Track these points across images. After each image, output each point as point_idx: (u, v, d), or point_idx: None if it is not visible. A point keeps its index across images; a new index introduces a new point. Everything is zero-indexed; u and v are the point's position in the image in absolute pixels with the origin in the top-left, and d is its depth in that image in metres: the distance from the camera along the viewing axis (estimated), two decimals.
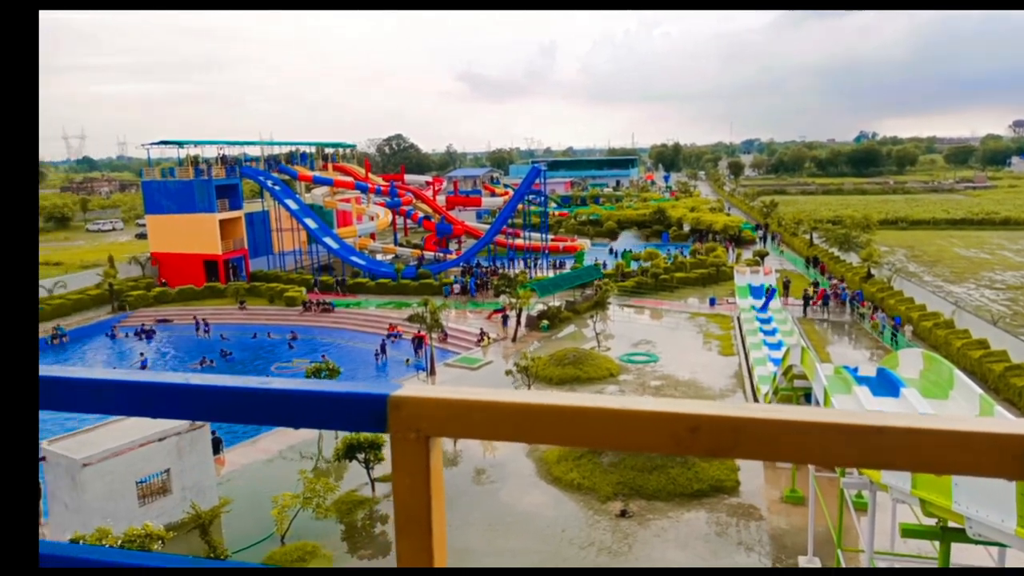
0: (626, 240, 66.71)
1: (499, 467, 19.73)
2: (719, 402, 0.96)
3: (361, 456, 17.78)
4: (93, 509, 15.12)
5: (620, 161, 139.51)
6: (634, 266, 48.79)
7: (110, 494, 15.48)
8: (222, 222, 48.43)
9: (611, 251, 57.89)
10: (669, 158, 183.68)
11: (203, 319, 39.74)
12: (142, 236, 69.70)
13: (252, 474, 20.16)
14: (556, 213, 78.86)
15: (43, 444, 15.90)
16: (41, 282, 44.02)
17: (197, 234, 47.63)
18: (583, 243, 58.47)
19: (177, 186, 48.64)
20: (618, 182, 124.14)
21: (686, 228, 66.35)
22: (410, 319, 32.08)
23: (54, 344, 36.67)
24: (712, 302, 38.41)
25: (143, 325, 39.53)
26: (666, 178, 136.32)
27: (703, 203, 78.38)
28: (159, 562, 1.11)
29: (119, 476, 15.61)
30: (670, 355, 29.46)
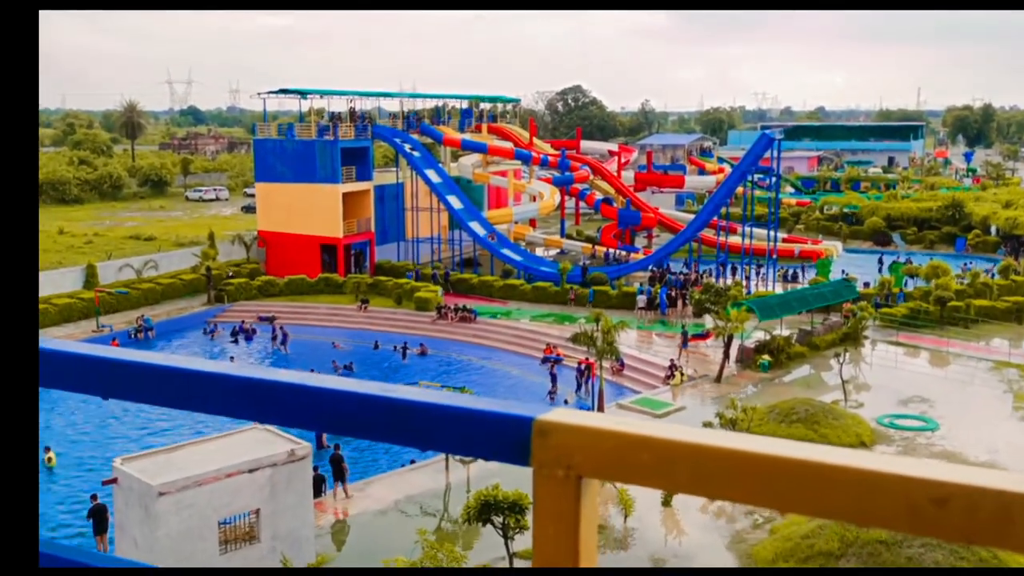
0: (898, 246, 62.98)
1: (688, 559, 19.44)
2: (983, 469, 0.94)
3: (498, 520, 18.26)
4: (166, 549, 16.65)
5: (895, 129, 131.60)
6: (908, 285, 45.99)
7: (187, 533, 16.95)
8: (346, 196, 51.92)
9: (880, 260, 54.94)
10: (973, 127, 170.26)
11: (280, 325, 42.37)
12: (249, 209, 76.32)
13: (360, 527, 21.38)
14: (793, 201, 76.22)
15: (116, 462, 17.90)
16: (129, 261, 49.68)
17: (315, 210, 51.41)
18: (831, 247, 55.86)
19: (295, 147, 52.79)
20: (891, 160, 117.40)
21: (994, 233, 61.34)
22: (574, 339, 32.47)
23: (138, 338, 41.21)
24: None
25: (241, 323, 43.34)
26: (967, 156, 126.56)
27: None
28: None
29: (200, 512, 17.09)
30: (956, 422, 27.56)
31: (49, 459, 27.17)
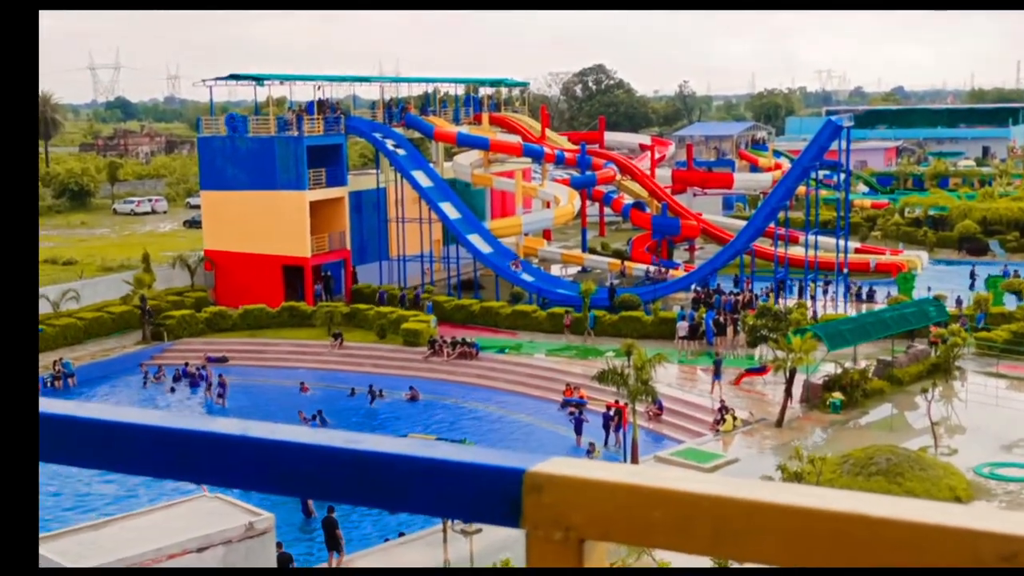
0: (997, 256, 62.78)
1: None
2: None
3: None
4: None
5: (991, 112, 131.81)
6: (1011, 304, 45.80)
7: None
8: (314, 205, 52.09)
9: (971, 275, 54.80)
10: None
11: (200, 366, 42.74)
12: (194, 224, 76.55)
13: None
14: (867, 203, 76.26)
15: None
16: (44, 291, 49.76)
17: (276, 224, 51.54)
18: (914, 259, 55.87)
19: (250, 146, 53.07)
20: (985, 150, 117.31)
21: None
22: (600, 378, 32.39)
23: (55, 387, 41.20)
24: None
25: (185, 365, 43.43)
26: None
27: None
28: None
29: None
30: None
31: None
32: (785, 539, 1.04)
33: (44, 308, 48.20)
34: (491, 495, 1.13)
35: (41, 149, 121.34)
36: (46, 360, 43.01)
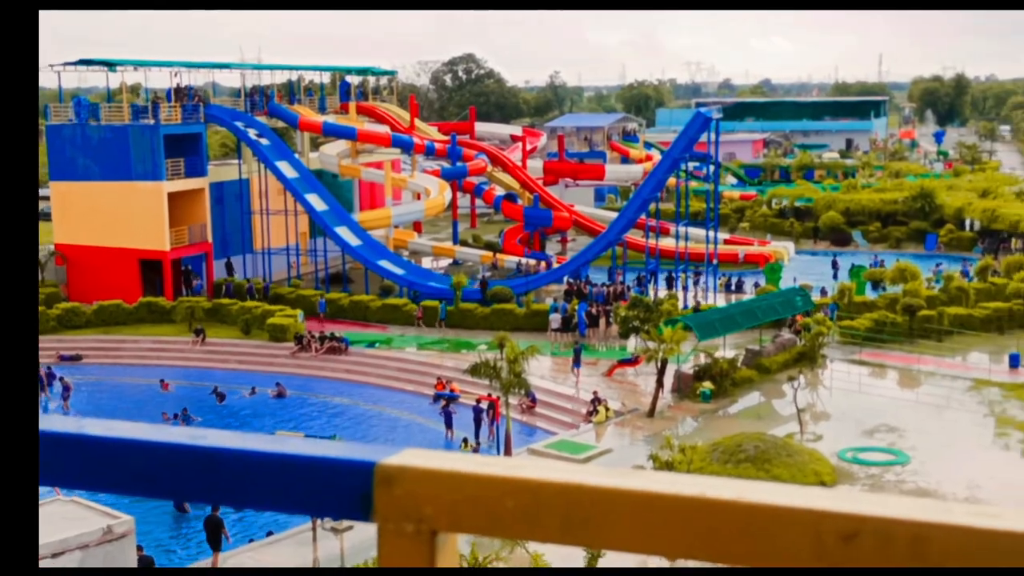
0: (860, 246, 65.27)
1: None
2: (896, 497, 1.02)
3: None
4: None
5: (854, 105, 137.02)
6: (871, 293, 47.70)
7: None
8: (173, 197, 50.87)
9: (833, 264, 56.82)
10: (944, 101, 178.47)
11: (48, 365, 40.82)
12: (43, 216, 73.90)
13: None
14: (736, 195, 78.34)
15: None
16: None
17: (132, 216, 50.23)
18: (781, 249, 57.62)
19: (103, 135, 51.52)
20: (849, 142, 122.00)
21: (969, 228, 64.24)
22: (473, 371, 32.51)
23: None
24: (1015, 361, 37.10)
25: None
26: (938, 137, 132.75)
27: (1004, 182, 75.71)
28: None
29: None
30: (931, 454, 28.67)
31: None
32: (633, 525, 1.06)
33: None
34: (341, 489, 1.12)
35: None
36: None
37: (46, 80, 56.92)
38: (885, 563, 0.97)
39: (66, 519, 17.98)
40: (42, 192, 79.91)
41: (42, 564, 16.90)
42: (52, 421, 1.21)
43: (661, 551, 1.06)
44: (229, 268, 53.30)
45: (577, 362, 37.64)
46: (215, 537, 23.19)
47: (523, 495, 1.09)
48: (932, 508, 0.98)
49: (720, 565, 1.05)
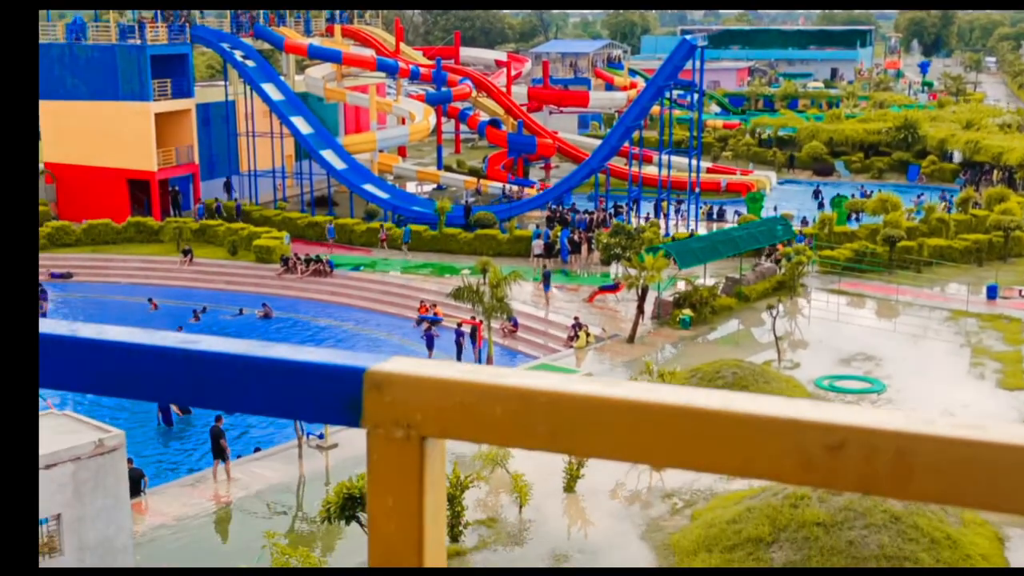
0: (842, 176, 65.31)
1: (595, 554, 20.01)
2: (882, 410, 1.03)
3: (365, 517, 18.43)
4: None
5: (839, 35, 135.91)
6: (852, 224, 47.86)
7: None
8: (160, 118, 50.37)
9: (815, 195, 56.90)
10: (931, 32, 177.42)
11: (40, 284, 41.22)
12: None
13: (191, 532, 21.18)
14: (719, 123, 78.05)
15: None
16: None
17: (120, 136, 49.73)
18: (763, 179, 57.66)
19: (90, 55, 50.81)
20: (834, 72, 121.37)
21: (954, 159, 64.30)
22: (455, 295, 32.59)
23: None
24: (992, 293, 37.30)
25: None
26: (923, 67, 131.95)
27: (988, 114, 75.60)
28: None
29: None
30: (906, 382, 29.03)
31: None
32: (620, 433, 1.06)
33: None
34: (331, 394, 1.12)
35: None
36: None
37: None
38: (870, 474, 0.98)
39: (58, 432, 18.14)
40: None
41: None
42: (51, 324, 1.21)
43: (647, 459, 1.07)
44: (228, 188, 53.06)
45: (547, 285, 38.08)
46: (217, 447, 23.51)
47: (512, 402, 1.09)
48: (916, 420, 0.99)
49: (706, 473, 1.06)
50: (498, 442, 1.12)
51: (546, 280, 38.35)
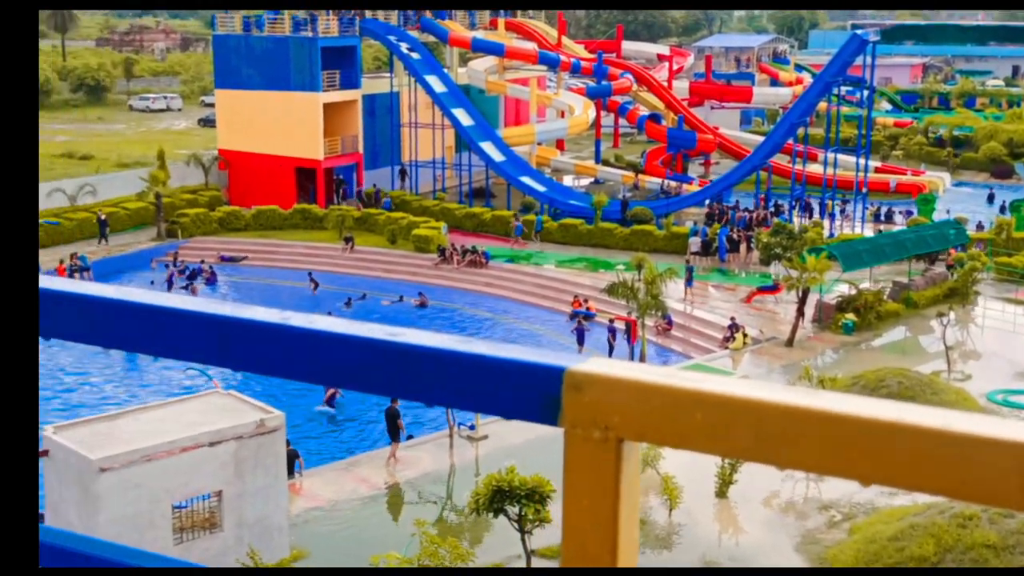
0: (1021, 178, 62.38)
1: (746, 563, 19.67)
2: None
3: (514, 510, 18.52)
4: (109, 537, 16.90)
5: (1022, 31, 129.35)
6: None
7: (135, 519, 17.29)
8: (328, 108, 51.89)
9: (989, 198, 54.48)
10: None
11: (203, 261, 42.82)
12: (208, 122, 76.47)
13: (343, 515, 21.72)
14: (890, 121, 75.48)
15: (47, 431, 18.22)
16: (60, 184, 49.94)
17: (290, 125, 51.44)
18: (935, 180, 55.43)
19: (264, 45, 52.71)
20: (1016, 69, 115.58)
21: None
22: (610, 291, 32.50)
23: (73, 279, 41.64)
24: None
25: (200, 263, 43.68)
26: None
27: None
28: (163, 563, 1.39)
29: (150, 493, 17.41)
30: None
31: None
32: (827, 445, 1.03)
33: (61, 201, 48.47)
34: (531, 392, 1.13)
35: (57, 42, 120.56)
36: (62, 253, 43.41)
37: None
38: None
39: (224, 410, 18.84)
40: (208, 100, 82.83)
41: (200, 452, 17.81)
42: (262, 312, 1.26)
43: (854, 474, 1.03)
44: (403, 175, 54.14)
45: (689, 281, 37.75)
46: (393, 427, 24.01)
47: (713, 409, 1.08)
48: None
49: (918, 493, 1.02)
50: (697, 448, 1.11)
51: (689, 276, 38.00)
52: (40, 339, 1.42)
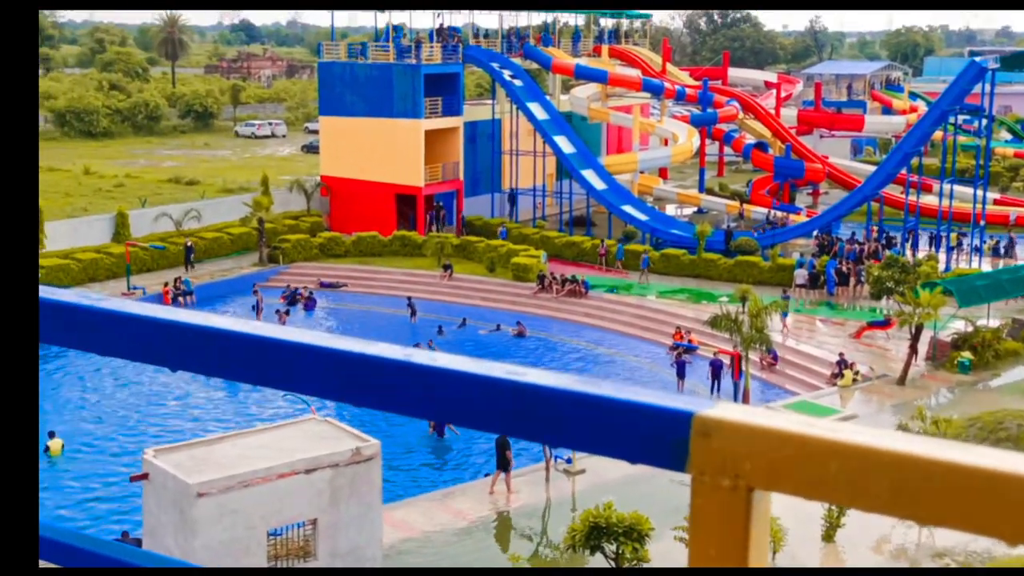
0: None
1: None
2: None
3: (611, 548, 18.37)
4: (206, 563, 17.30)
5: None
6: None
7: (230, 544, 17.48)
8: (429, 135, 52.54)
9: None
10: None
11: (302, 288, 43.66)
12: (311, 149, 78.13)
13: (436, 547, 21.78)
14: (1010, 152, 73.37)
15: (147, 454, 18.64)
16: (167, 209, 51.48)
17: (392, 151, 52.20)
18: None
19: (369, 73, 53.67)
20: None
21: None
22: (713, 323, 32.14)
23: (178, 303, 42.71)
24: None
25: (299, 289, 44.48)
26: None
27: None
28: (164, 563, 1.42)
29: (246, 519, 17.62)
30: None
31: (52, 447, 27.75)
32: (971, 502, 1.00)
33: (167, 226, 49.83)
34: (657, 437, 1.12)
35: (167, 70, 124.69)
36: (166, 277, 44.66)
37: (320, 18, 59.91)
38: None
39: (319, 438, 19.02)
40: (312, 126, 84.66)
41: (296, 479, 18.03)
42: (385, 348, 1.27)
43: (1002, 534, 1.00)
44: (512, 200, 54.20)
45: (785, 312, 36.74)
46: (502, 457, 23.91)
47: (849, 459, 1.05)
48: None
49: None
50: (832, 500, 1.08)
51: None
52: (169, 369, 1.45)
